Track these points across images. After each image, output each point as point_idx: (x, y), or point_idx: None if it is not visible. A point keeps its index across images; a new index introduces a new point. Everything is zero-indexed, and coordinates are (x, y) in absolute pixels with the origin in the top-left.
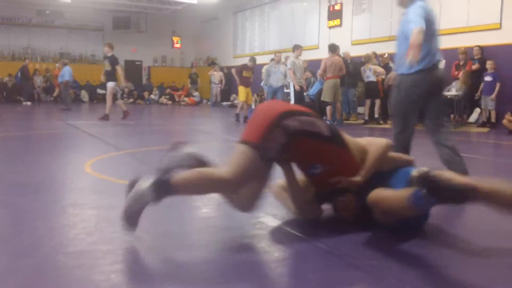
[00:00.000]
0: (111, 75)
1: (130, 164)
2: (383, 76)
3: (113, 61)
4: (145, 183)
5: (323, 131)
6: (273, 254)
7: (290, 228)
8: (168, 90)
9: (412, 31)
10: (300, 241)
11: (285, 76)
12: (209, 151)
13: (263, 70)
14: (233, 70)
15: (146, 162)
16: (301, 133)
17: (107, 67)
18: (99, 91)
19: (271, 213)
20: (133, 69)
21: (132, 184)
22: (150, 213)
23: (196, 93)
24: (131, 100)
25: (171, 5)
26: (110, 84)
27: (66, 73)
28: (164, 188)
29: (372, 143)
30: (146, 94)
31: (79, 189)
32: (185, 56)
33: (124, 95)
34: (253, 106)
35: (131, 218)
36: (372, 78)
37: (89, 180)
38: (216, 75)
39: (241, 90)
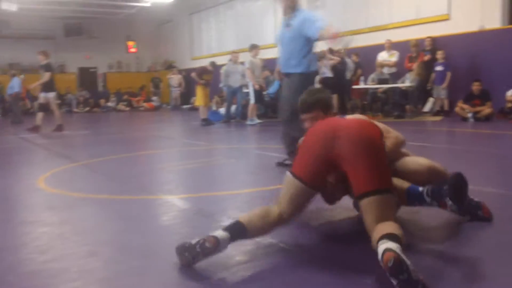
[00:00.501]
0: (49, 84)
1: (85, 176)
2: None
3: (48, 69)
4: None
5: None
6: (235, 258)
7: None
8: (125, 96)
9: (323, 28)
10: (262, 243)
11: (244, 76)
12: (172, 157)
13: (222, 71)
14: (193, 74)
15: (103, 173)
16: None
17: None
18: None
19: (233, 217)
20: (87, 76)
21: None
22: (108, 225)
23: (155, 98)
24: (87, 108)
25: (124, 9)
26: (50, 95)
27: (15, 84)
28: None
29: (389, 136)
30: (102, 101)
31: (31, 205)
32: (141, 60)
33: (80, 104)
34: (213, 108)
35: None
36: (328, 74)
37: (42, 196)
38: (175, 78)
39: (201, 92)
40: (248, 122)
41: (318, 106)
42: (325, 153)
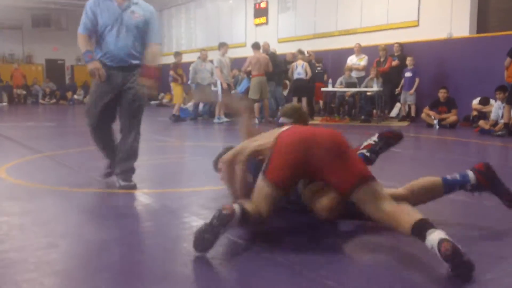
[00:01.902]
0: None
1: (48, 167)
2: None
3: None
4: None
5: None
6: (195, 254)
7: None
8: None
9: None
10: (222, 240)
11: (212, 74)
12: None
13: (190, 69)
14: (171, 72)
15: (66, 165)
16: None
17: None
18: (17, 91)
19: (195, 213)
20: (55, 69)
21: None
22: (69, 217)
23: None
24: (54, 100)
25: None
26: None
27: None
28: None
29: None
30: (69, 94)
31: None
32: None
33: (46, 96)
34: (182, 105)
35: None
36: (303, 76)
37: (3, 186)
38: None
39: (179, 89)
40: (216, 120)
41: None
42: (300, 162)
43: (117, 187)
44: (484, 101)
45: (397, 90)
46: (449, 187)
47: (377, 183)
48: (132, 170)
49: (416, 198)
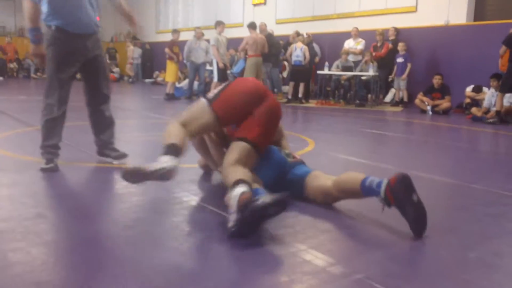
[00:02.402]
0: None
1: (39, 141)
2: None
3: None
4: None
5: None
6: (184, 228)
7: (204, 203)
8: None
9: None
10: (212, 215)
11: (207, 52)
12: (130, 128)
13: (185, 47)
14: (167, 49)
15: None
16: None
17: None
18: (10, 65)
19: (186, 189)
20: None
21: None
22: (58, 189)
23: (116, 69)
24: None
25: None
26: None
27: None
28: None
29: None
30: None
31: None
32: (104, 30)
33: (39, 70)
34: (177, 84)
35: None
36: (301, 58)
37: None
38: (130, 50)
39: (173, 68)
40: None
41: None
42: (248, 106)
43: (109, 161)
44: (477, 89)
45: (391, 77)
46: (366, 191)
47: (256, 155)
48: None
49: (338, 194)
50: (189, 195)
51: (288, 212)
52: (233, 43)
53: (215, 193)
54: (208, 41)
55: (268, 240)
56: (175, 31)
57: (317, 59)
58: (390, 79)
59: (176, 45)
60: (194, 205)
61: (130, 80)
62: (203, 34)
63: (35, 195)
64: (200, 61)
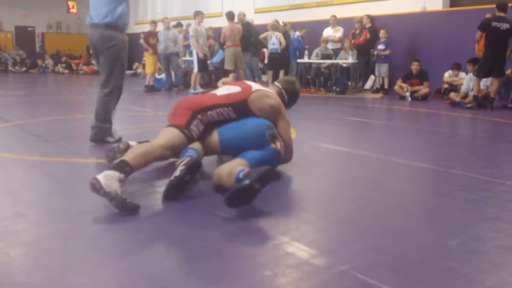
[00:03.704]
0: None
1: (17, 136)
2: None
3: None
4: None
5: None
6: (166, 224)
7: (186, 199)
8: (64, 58)
9: None
10: (195, 211)
11: (176, 42)
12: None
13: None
14: (141, 41)
15: (36, 134)
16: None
17: None
18: None
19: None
20: (25, 36)
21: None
22: (37, 187)
23: (94, 61)
24: (24, 69)
25: None
26: None
27: None
28: (126, 168)
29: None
30: (40, 62)
31: None
32: (82, 22)
33: (17, 64)
34: (157, 75)
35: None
36: (277, 46)
37: None
38: None
39: (151, 59)
40: (191, 91)
41: None
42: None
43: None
44: (457, 66)
45: (374, 58)
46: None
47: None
48: None
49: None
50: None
51: (271, 202)
52: (215, 33)
53: (197, 190)
54: (183, 31)
55: (251, 233)
56: (153, 23)
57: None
58: (373, 57)
59: (154, 37)
60: (175, 200)
61: None
62: (170, 24)
63: (13, 193)
64: (168, 52)
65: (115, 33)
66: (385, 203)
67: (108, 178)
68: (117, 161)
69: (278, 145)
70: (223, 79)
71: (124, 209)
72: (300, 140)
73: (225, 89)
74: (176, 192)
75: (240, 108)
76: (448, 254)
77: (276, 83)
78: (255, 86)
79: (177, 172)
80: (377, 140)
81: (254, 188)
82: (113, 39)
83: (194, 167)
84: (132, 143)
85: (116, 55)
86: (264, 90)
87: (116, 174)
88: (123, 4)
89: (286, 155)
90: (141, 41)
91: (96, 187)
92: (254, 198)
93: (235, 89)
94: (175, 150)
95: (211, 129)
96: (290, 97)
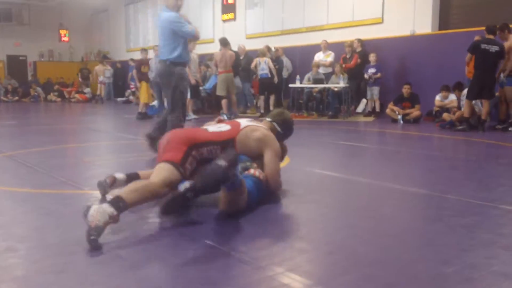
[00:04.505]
0: None
1: (8, 168)
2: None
3: None
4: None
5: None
6: (158, 253)
7: (178, 226)
8: (56, 87)
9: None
10: (187, 240)
11: None
12: (102, 150)
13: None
14: (133, 72)
15: (27, 166)
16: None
17: None
18: None
19: (159, 215)
20: (17, 65)
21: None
22: (28, 220)
23: (87, 89)
24: (16, 98)
25: None
26: None
27: None
28: (120, 204)
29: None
30: (32, 91)
31: None
32: (74, 50)
33: (8, 93)
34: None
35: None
36: (266, 71)
37: None
38: (99, 69)
39: (144, 88)
40: None
41: None
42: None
43: (80, 188)
44: (446, 88)
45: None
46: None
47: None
48: None
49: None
50: (162, 221)
51: (266, 231)
52: (203, 59)
53: (190, 220)
54: None
55: (245, 264)
56: (143, 50)
57: (286, 73)
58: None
59: (147, 64)
60: (166, 227)
61: (97, 98)
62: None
63: (4, 227)
64: (158, 79)
65: (175, 68)
66: (378, 231)
67: (99, 211)
68: (112, 196)
69: (252, 171)
70: (218, 117)
71: (89, 242)
72: (293, 166)
73: (217, 126)
74: (175, 207)
75: (228, 146)
76: (444, 283)
77: (267, 118)
78: (244, 123)
79: (181, 188)
80: (370, 165)
81: (186, 197)
82: (172, 73)
83: (199, 190)
84: (118, 175)
85: (175, 85)
86: (253, 125)
87: (109, 210)
88: (181, 44)
89: (270, 185)
90: (134, 72)
91: (84, 214)
92: (188, 207)
93: (225, 127)
94: (172, 186)
95: (202, 166)
96: (283, 127)
